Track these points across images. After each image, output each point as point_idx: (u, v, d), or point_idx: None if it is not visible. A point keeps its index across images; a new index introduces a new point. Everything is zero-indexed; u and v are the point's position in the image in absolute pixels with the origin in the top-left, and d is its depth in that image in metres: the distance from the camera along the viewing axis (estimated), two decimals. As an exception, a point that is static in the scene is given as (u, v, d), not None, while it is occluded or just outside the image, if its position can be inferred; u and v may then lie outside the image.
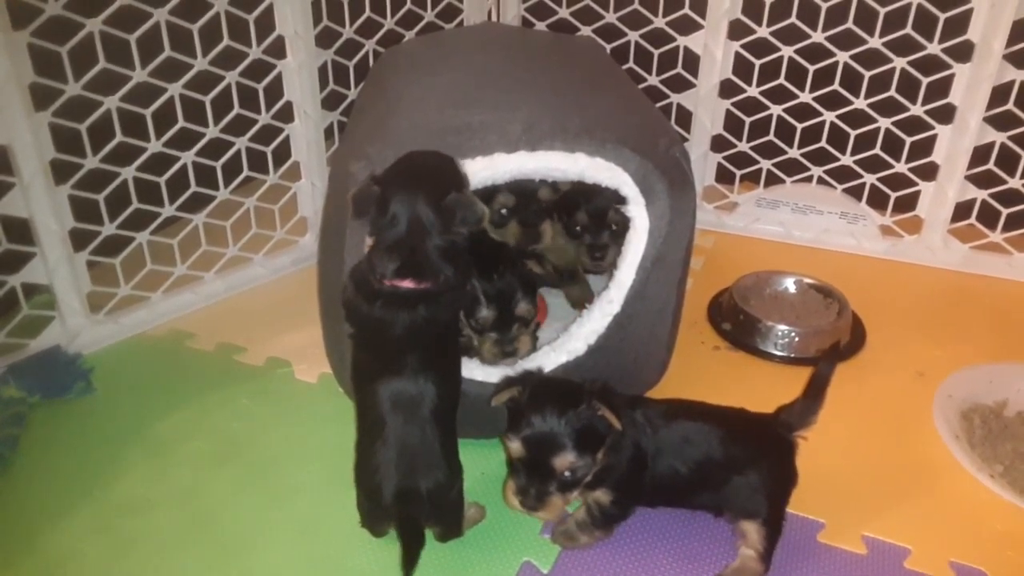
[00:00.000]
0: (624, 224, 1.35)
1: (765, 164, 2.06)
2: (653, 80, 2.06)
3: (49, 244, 1.52)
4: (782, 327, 1.68)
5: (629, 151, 1.29)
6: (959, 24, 1.76)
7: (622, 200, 1.34)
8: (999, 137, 1.83)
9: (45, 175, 1.47)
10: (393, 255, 1.13)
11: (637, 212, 1.32)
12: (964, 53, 1.79)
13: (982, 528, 1.31)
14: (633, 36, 2.04)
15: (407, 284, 1.14)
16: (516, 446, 1.12)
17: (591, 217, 1.55)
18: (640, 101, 1.53)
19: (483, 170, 1.21)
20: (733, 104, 2.01)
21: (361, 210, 1.15)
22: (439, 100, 1.35)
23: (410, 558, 1.10)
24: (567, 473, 1.11)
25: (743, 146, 2.05)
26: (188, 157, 1.67)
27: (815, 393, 1.27)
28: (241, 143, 1.75)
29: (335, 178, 1.41)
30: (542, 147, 1.24)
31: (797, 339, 1.68)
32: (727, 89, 2.00)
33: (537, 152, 1.24)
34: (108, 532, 1.28)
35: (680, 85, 2.04)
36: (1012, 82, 1.78)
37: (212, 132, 1.68)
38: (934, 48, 1.79)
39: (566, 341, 1.39)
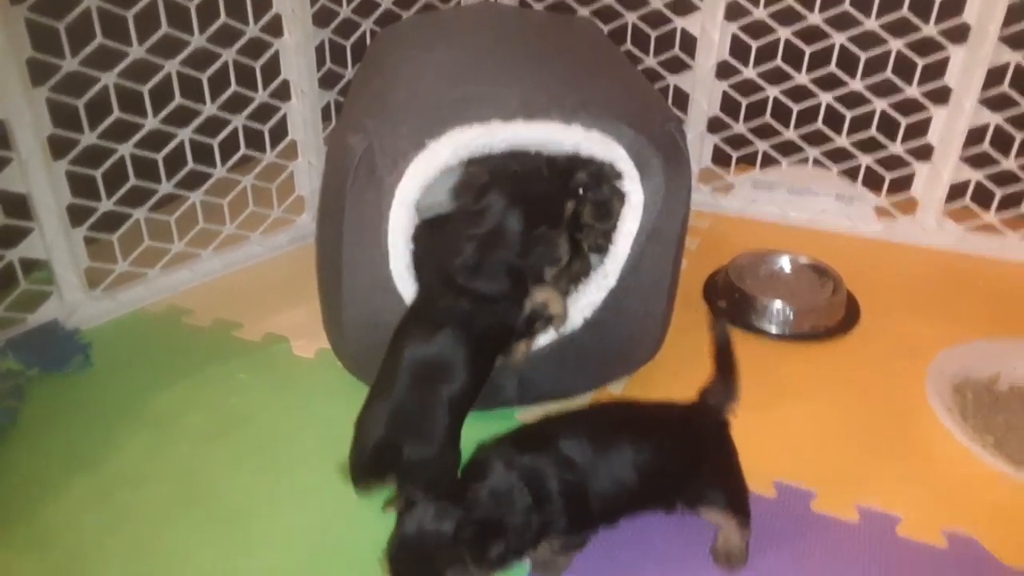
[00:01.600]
0: (621, 191, 1.35)
1: (761, 146, 2.06)
2: (650, 61, 2.07)
3: (47, 219, 1.52)
4: (777, 304, 1.69)
5: (625, 125, 1.29)
6: (955, 6, 1.77)
7: (616, 175, 1.34)
8: (994, 118, 1.84)
9: (43, 150, 1.47)
10: (467, 249, 1.19)
11: (632, 187, 1.33)
12: (960, 35, 1.79)
13: (973, 497, 1.33)
14: (631, 17, 2.05)
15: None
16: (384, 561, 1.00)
17: (591, 175, 1.54)
18: (637, 79, 1.54)
19: (480, 137, 1.22)
20: (730, 86, 2.01)
21: (460, 192, 1.23)
22: (437, 75, 1.35)
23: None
24: None
25: (740, 127, 2.06)
26: (185, 134, 1.67)
27: (725, 365, 1.23)
28: (238, 121, 1.75)
29: (333, 153, 1.42)
30: (539, 117, 1.24)
31: (792, 316, 1.69)
32: (724, 71, 2.01)
33: (534, 122, 1.24)
34: (105, 504, 1.29)
35: (677, 67, 2.04)
36: (1007, 64, 1.79)
37: (209, 110, 1.69)
38: (930, 30, 1.80)
39: (562, 315, 1.39)
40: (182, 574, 1.18)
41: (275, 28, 1.72)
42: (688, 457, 1.17)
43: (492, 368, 1.26)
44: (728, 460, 1.21)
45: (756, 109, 2.02)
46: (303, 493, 1.31)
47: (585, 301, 1.38)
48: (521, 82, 1.32)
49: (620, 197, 1.49)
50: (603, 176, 1.50)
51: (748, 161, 2.12)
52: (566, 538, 1.11)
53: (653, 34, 2.03)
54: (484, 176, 1.24)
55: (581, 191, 1.56)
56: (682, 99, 2.07)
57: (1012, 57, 1.77)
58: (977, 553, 1.24)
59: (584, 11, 2.10)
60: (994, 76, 1.80)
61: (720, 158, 2.14)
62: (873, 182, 2.02)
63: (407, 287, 1.30)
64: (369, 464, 1.15)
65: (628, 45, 2.08)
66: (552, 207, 1.25)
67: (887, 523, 1.28)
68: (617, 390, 1.54)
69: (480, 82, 1.31)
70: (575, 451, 1.08)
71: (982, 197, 1.94)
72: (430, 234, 1.33)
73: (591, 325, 1.39)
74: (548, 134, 1.26)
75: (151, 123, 1.60)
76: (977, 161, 1.90)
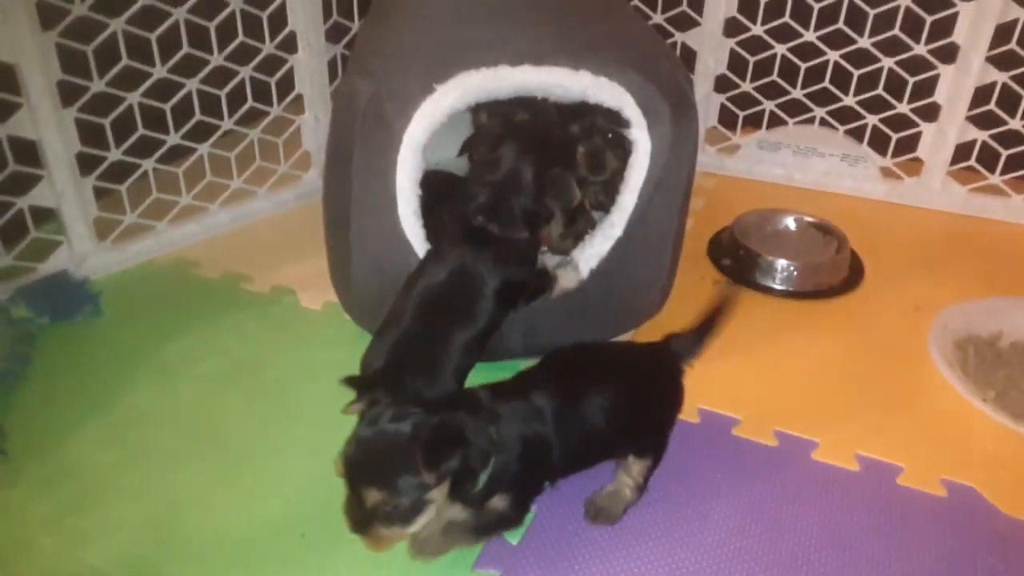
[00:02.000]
0: (620, 134, 1.35)
1: (768, 105, 2.06)
2: (658, 18, 2.06)
3: (56, 167, 1.53)
4: (781, 261, 1.70)
5: (632, 72, 1.30)
6: (965, -38, 1.76)
7: (624, 123, 1.35)
8: (1001, 77, 1.83)
9: (52, 96, 1.47)
10: (482, 194, 1.20)
11: (639, 135, 1.33)
12: (969, -10, 1.79)
13: (973, 448, 1.34)
14: (638, -26, 2.04)
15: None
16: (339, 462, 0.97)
17: (583, 127, 1.54)
18: (645, 30, 1.53)
19: (487, 81, 1.22)
20: (737, 43, 2.01)
21: (474, 144, 1.26)
22: (444, 19, 1.35)
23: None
24: (388, 507, 0.94)
25: (746, 86, 2.05)
26: (193, 84, 1.67)
27: (710, 322, 1.23)
28: (245, 72, 1.75)
29: (340, 98, 1.42)
30: (547, 62, 1.25)
31: (796, 273, 1.70)
32: (732, 28, 2.00)
33: (542, 67, 1.24)
34: (117, 444, 1.31)
35: (685, 23, 2.04)
36: (1015, 21, 1.78)
37: (216, 60, 1.69)
38: (939, -15, 1.80)
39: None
40: (194, 512, 1.19)
41: (283, -23, 1.72)
42: (649, 404, 1.17)
43: (505, 315, 1.27)
44: (673, 414, 1.21)
45: (763, 68, 2.02)
46: (310, 436, 1.33)
47: (592, 251, 1.39)
48: (529, 27, 1.32)
49: (614, 148, 1.50)
50: (595, 127, 1.51)
51: (754, 122, 2.12)
52: (507, 506, 1.05)
53: (662, -10, 2.02)
54: (498, 128, 1.25)
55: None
56: (689, 57, 2.06)
57: (1020, 13, 1.76)
58: (977, 502, 1.25)
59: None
60: (1002, 33, 1.79)
61: (726, 119, 2.14)
62: (879, 143, 2.02)
63: (415, 232, 1.30)
64: (369, 385, 1.15)
65: (636, 1, 2.08)
66: (563, 151, 1.26)
67: (888, 472, 1.30)
68: (622, 343, 1.55)
69: (487, 26, 1.31)
70: (545, 402, 1.06)
71: (987, 158, 1.94)
72: (438, 182, 1.34)
73: (597, 275, 1.40)
74: (556, 80, 1.26)
75: (159, 72, 1.61)
76: (983, 121, 1.90)
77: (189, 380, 1.43)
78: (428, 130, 1.25)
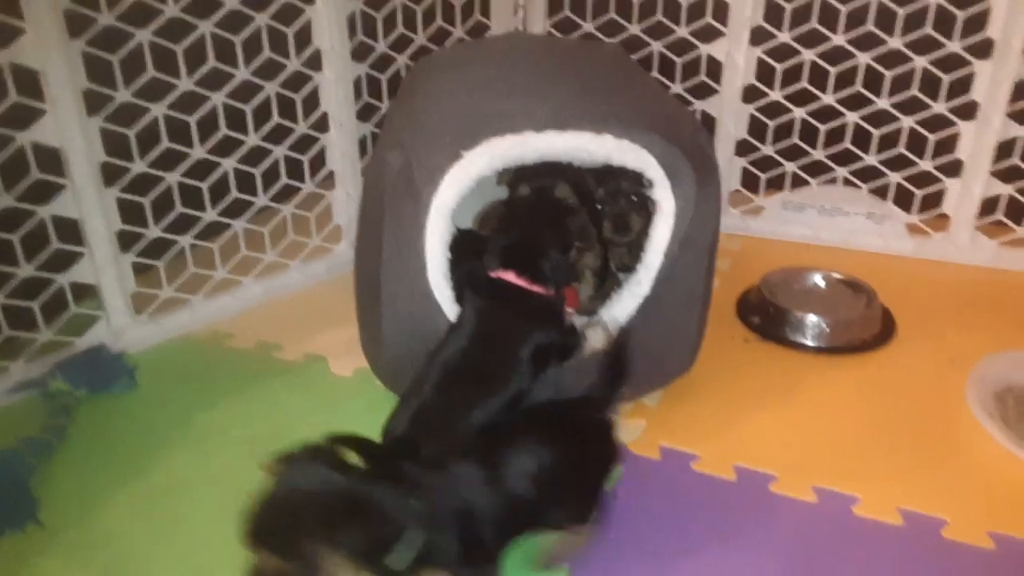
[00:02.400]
0: (643, 197, 1.37)
1: (790, 167, 2.08)
2: (677, 88, 2.11)
3: (97, 244, 1.58)
4: (812, 317, 1.70)
5: (654, 134, 1.33)
6: (978, 22, 1.80)
7: (647, 184, 1.37)
8: (1022, 132, 1.85)
9: (96, 178, 1.54)
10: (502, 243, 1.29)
11: (663, 195, 1.35)
12: (984, 50, 1.82)
13: (1019, 499, 1.31)
14: (656, 46, 2.10)
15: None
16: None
17: (608, 192, 1.56)
18: (664, 95, 1.58)
19: (513, 147, 1.26)
20: (756, 109, 2.05)
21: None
22: (470, 91, 1.40)
23: None
24: None
25: (767, 149, 2.08)
26: (229, 164, 1.74)
27: (611, 363, 1.20)
28: (280, 152, 1.82)
29: (371, 170, 1.47)
30: (570, 128, 1.28)
31: (828, 329, 1.69)
32: (750, 94, 2.04)
33: (566, 132, 1.28)
34: (153, 512, 1.32)
35: (704, 92, 2.08)
36: (1034, 78, 1.80)
37: (252, 140, 1.76)
38: (954, 46, 1.83)
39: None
40: (228, 579, 1.19)
41: (315, 63, 1.79)
42: (581, 462, 1.12)
43: (536, 377, 1.27)
44: (606, 468, 1.16)
45: (783, 131, 2.05)
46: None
47: (619, 309, 1.40)
48: (552, 95, 1.36)
49: (638, 210, 1.53)
50: (620, 191, 1.54)
51: (777, 183, 2.14)
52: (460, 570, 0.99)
53: (679, 61, 2.08)
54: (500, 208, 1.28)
55: (600, 207, 1.60)
56: (709, 124, 2.10)
57: (1038, 72, 1.79)
58: (1025, 553, 1.22)
59: (611, 41, 2.16)
60: (1021, 89, 1.81)
61: (749, 181, 2.16)
62: (904, 200, 2.03)
63: (445, 295, 1.32)
64: (385, 456, 1.15)
65: (655, 73, 2.13)
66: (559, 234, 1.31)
67: (932, 526, 1.27)
68: (652, 403, 1.55)
69: (512, 96, 1.36)
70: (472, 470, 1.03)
71: (1015, 211, 1.94)
72: (464, 242, 1.36)
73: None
74: (579, 144, 1.30)
75: (197, 152, 1.67)
76: (1008, 175, 1.90)
77: (222, 447, 1.45)
78: (456, 196, 1.28)
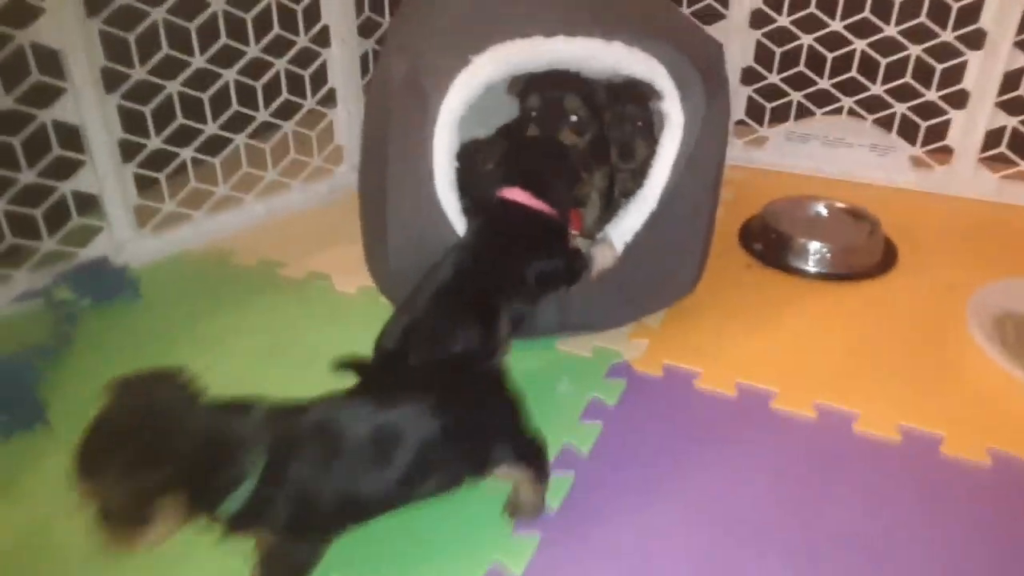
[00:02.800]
0: (647, 120, 1.36)
1: (795, 96, 2.07)
2: (684, 11, 2.07)
3: (99, 152, 1.56)
4: (815, 243, 1.70)
5: (665, 43, 1.31)
6: (989, -53, 1.77)
7: (656, 96, 1.36)
8: (1031, 61, 1.84)
9: (96, 82, 1.51)
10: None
11: (672, 106, 1.34)
12: (995, -24, 1.79)
13: (1016, 418, 1.33)
14: (664, -31, 2.06)
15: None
16: None
17: (614, 116, 1.55)
18: (674, 8, 1.56)
19: (521, 52, 1.24)
20: (763, 35, 2.02)
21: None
22: (477, -1, 1.38)
23: None
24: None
25: (773, 78, 2.06)
26: (230, 75, 1.71)
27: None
28: (280, 64, 1.79)
29: (376, 77, 1.45)
30: (580, 34, 1.26)
31: (830, 255, 1.70)
32: (758, 19, 2.01)
33: (575, 38, 1.26)
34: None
35: (711, 17, 2.05)
36: (1044, 5, 1.78)
37: (253, 51, 1.72)
38: (965, -30, 1.81)
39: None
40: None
41: (316, -30, 1.76)
42: (470, 418, 1.03)
43: (538, 300, 1.29)
44: (510, 411, 1.08)
45: (790, 59, 2.03)
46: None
47: (626, 225, 1.40)
48: (562, 3, 1.34)
49: (644, 136, 1.52)
50: (626, 116, 1.52)
51: (782, 115, 2.12)
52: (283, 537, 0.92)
53: (688, -17, 2.05)
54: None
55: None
56: (716, 51, 2.07)
57: (1049, -2, 1.77)
58: (1022, 470, 1.24)
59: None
60: (1031, 19, 1.80)
61: (753, 112, 2.14)
62: (908, 132, 2.02)
63: (452, 205, 1.32)
64: (374, 369, 1.15)
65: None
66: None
67: (930, 442, 1.29)
68: (655, 323, 1.55)
69: (521, 2, 1.33)
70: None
71: (1019, 145, 1.93)
72: (473, 155, 1.36)
73: (631, 251, 1.41)
74: (589, 51, 1.28)
75: (198, 61, 1.64)
76: (1013, 107, 1.89)
77: (226, 355, 1.45)
78: (465, 102, 1.27)
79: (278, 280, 1.68)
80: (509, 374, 1.12)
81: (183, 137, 1.69)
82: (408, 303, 1.21)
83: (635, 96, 1.46)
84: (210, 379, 1.37)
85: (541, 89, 1.40)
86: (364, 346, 1.46)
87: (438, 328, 1.17)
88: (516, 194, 1.26)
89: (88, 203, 1.62)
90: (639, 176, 1.53)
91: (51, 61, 1.46)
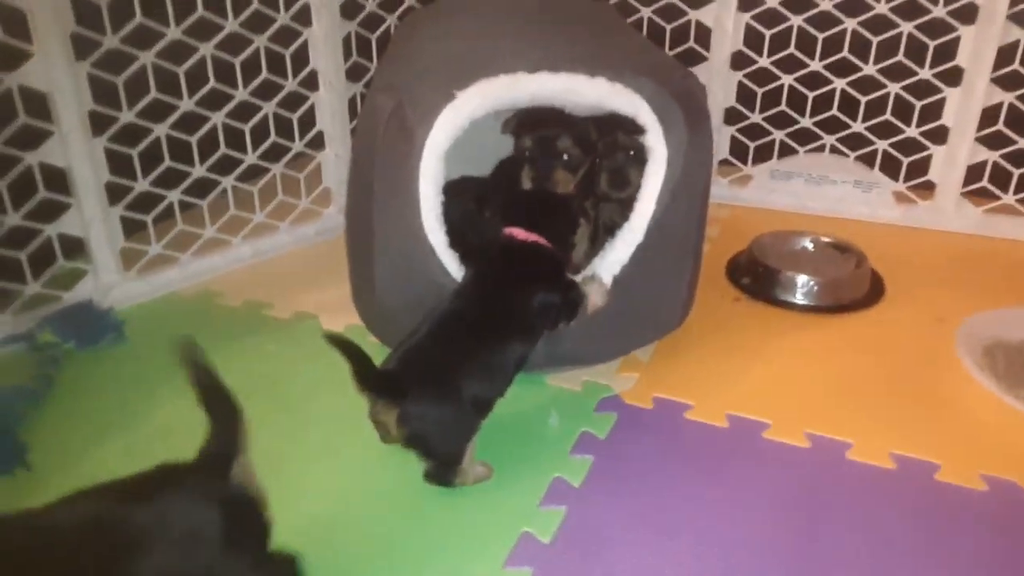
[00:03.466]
0: (639, 149, 1.37)
1: (778, 135, 2.10)
2: (666, 52, 2.11)
3: (85, 195, 1.56)
4: (802, 276, 1.70)
5: (646, 78, 1.33)
6: (963, -13, 1.82)
7: (639, 131, 1.37)
8: (1007, 97, 1.87)
9: (83, 125, 1.52)
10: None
11: (655, 140, 1.36)
12: (969, 15, 1.83)
13: (1010, 444, 1.32)
14: (646, 12, 2.11)
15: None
16: None
17: (605, 145, 1.56)
18: (652, 45, 1.59)
19: (506, 89, 1.26)
20: (745, 75, 2.06)
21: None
22: (462, 35, 1.41)
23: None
24: None
25: (756, 117, 2.09)
26: (218, 118, 1.72)
27: (217, 405, 0.99)
28: (269, 108, 1.80)
29: (363, 115, 1.46)
30: (563, 70, 1.28)
31: (817, 288, 1.70)
32: (739, 61, 2.05)
33: (559, 74, 1.28)
34: (139, 457, 1.26)
35: (692, 59, 2.09)
36: (1017, 42, 1.82)
37: (241, 94, 1.74)
38: (939, 11, 1.85)
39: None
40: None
41: (304, 17, 1.78)
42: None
43: (537, 338, 1.29)
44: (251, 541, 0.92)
45: (772, 98, 2.06)
46: (329, 444, 1.33)
47: (613, 258, 1.40)
48: (545, 40, 1.37)
49: (637, 165, 1.53)
50: (618, 144, 1.54)
51: (765, 153, 2.15)
52: None
53: (668, 27, 2.08)
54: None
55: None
56: (698, 92, 2.11)
57: (1021, 35, 1.81)
58: (1018, 496, 1.23)
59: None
60: (1004, 55, 1.83)
61: (737, 151, 2.17)
62: (890, 168, 2.05)
63: (438, 238, 1.32)
64: (374, 383, 1.15)
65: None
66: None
67: (925, 469, 1.27)
68: (645, 357, 1.55)
69: (505, 39, 1.36)
70: None
71: (999, 178, 1.96)
72: (462, 188, 1.37)
73: (618, 284, 1.40)
74: (572, 86, 1.30)
75: (186, 104, 1.66)
76: (993, 141, 1.92)
77: (211, 398, 1.43)
78: (450, 137, 1.28)
79: (265, 321, 1.67)
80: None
81: (170, 180, 1.70)
82: (412, 332, 1.22)
83: (624, 124, 1.48)
84: (191, 421, 1.37)
85: (533, 128, 1.41)
86: (348, 380, 1.45)
87: (438, 359, 1.19)
88: (519, 232, 1.28)
89: (74, 246, 1.62)
90: (626, 208, 1.54)
91: (39, 104, 1.47)
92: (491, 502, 1.21)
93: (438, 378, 1.18)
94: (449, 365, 1.18)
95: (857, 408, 1.41)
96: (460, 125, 1.28)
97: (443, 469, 1.21)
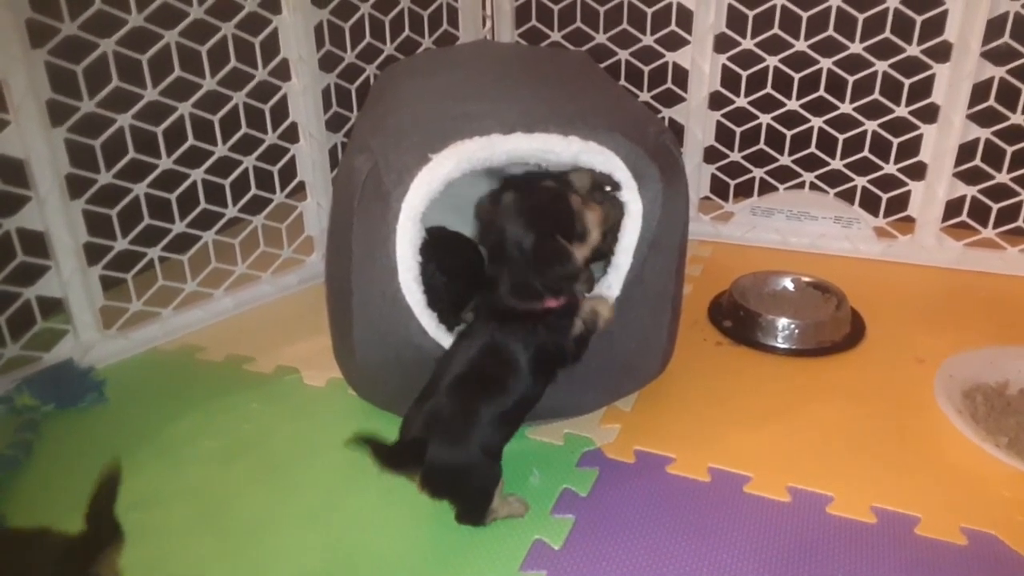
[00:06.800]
0: (617, 184, 1.37)
1: (758, 172, 2.11)
2: (645, 96, 2.13)
3: (64, 257, 1.56)
4: (783, 320, 1.71)
5: (620, 136, 1.34)
6: (936, 25, 1.83)
7: (615, 186, 1.38)
8: (983, 133, 1.88)
9: (60, 189, 1.52)
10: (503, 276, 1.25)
11: (630, 197, 1.36)
12: (943, 53, 1.85)
13: (990, 495, 1.32)
14: (623, 55, 2.12)
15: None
16: None
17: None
18: (628, 98, 1.59)
19: (480, 150, 1.26)
20: (723, 115, 2.07)
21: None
22: (438, 95, 1.41)
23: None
24: None
25: (735, 156, 2.11)
26: (198, 175, 1.73)
27: (97, 514, 1.02)
28: (249, 162, 1.81)
29: (341, 175, 1.47)
30: (537, 130, 1.29)
31: (798, 331, 1.71)
32: (717, 101, 2.07)
33: (533, 134, 1.28)
34: (122, 524, 1.29)
35: (671, 100, 2.11)
36: (991, 78, 1.84)
37: (221, 150, 1.75)
38: (913, 50, 1.86)
39: (568, 328, 1.41)
40: (197, 590, 1.17)
41: (283, 72, 1.79)
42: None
43: (543, 387, 1.29)
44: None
45: (750, 137, 2.08)
46: (314, 510, 1.32)
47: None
48: (519, 99, 1.37)
49: (615, 205, 1.53)
50: (596, 183, 1.54)
51: (746, 190, 2.16)
52: None
53: (646, 69, 2.10)
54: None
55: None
56: (677, 131, 2.12)
57: (995, 71, 1.82)
58: (998, 549, 1.23)
59: (577, 50, 2.18)
60: (979, 91, 1.85)
61: (718, 188, 2.18)
62: (870, 203, 2.06)
63: (416, 299, 1.32)
64: (395, 455, 1.16)
65: (622, 81, 2.15)
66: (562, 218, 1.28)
67: (905, 523, 1.27)
68: (627, 407, 1.55)
69: (480, 100, 1.36)
70: None
71: (979, 213, 1.97)
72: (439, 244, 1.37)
73: (597, 337, 1.41)
74: (547, 146, 1.30)
75: (165, 163, 1.66)
76: (970, 176, 1.94)
77: (192, 459, 1.43)
78: (425, 198, 1.28)
79: (246, 376, 1.66)
80: None
81: (150, 237, 1.70)
82: (426, 392, 1.22)
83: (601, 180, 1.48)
84: (173, 487, 1.37)
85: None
86: (331, 441, 1.46)
87: (459, 415, 1.19)
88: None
89: (53, 306, 1.62)
90: (611, 240, 1.55)
91: (16, 170, 1.47)
92: (471, 566, 1.21)
93: (456, 433, 1.19)
94: (467, 419, 1.19)
95: (838, 459, 1.41)
96: (435, 188, 1.28)
97: (474, 514, 1.24)
